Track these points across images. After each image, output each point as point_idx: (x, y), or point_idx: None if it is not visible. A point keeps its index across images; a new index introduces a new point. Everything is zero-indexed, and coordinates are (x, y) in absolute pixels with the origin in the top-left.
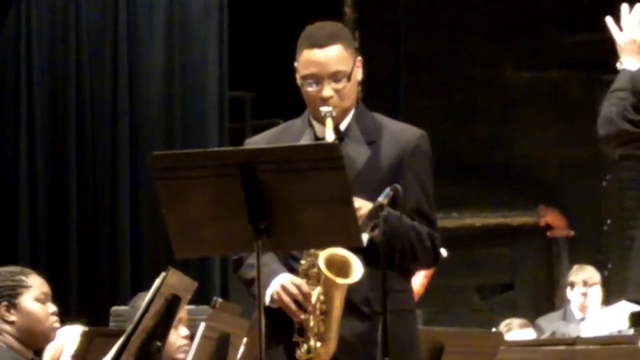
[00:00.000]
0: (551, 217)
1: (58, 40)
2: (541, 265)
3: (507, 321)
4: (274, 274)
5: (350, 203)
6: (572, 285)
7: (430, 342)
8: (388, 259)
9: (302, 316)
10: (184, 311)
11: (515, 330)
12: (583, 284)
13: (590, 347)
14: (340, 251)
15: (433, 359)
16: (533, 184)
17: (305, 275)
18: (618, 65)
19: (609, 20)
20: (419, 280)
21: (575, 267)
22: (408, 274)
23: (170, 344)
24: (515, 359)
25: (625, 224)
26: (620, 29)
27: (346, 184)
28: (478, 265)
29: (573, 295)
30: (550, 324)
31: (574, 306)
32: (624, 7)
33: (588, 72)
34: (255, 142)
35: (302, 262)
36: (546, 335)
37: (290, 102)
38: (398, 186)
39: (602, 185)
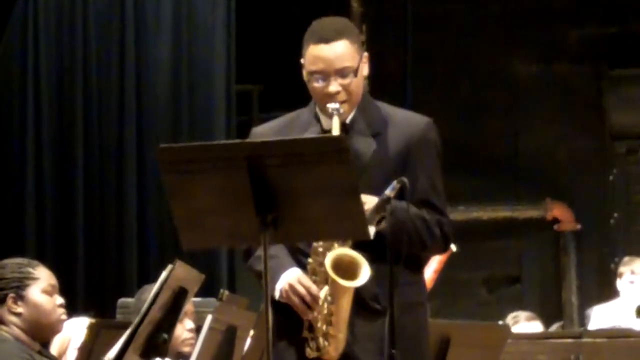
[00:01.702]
0: (558, 211)
1: (65, 33)
2: (548, 259)
3: (513, 314)
4: (284, 268)
5: (357, 196)
6: (620, 275)
7: (437, 334)
8: (395, 252)
9: (310, 315)
10: (189, 304)
11: (522, 323)
12: (630, 272)
13: (597, 340)
14: (349, 252)
15: (440, 352)
16: (540, 177)
17: (314, 273)
18: None
19: None
20: (428, 275)
21: (625, 258)
22: (418, 266)
23: (175, 337)
24: (522, 352)
25: (632, 218)
26: None
27: (353, 177)
28: (485, 259)
29: (621, 285)
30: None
31: (623, 296)
32: None
33: (595, 66)
34: (262, 131)
35: (310, 260)
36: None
37: (298, 95)
38: (405, 179)
39: (609, 178)
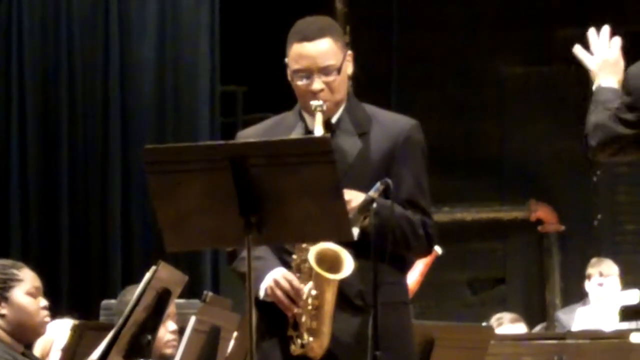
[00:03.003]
0: (542, 212)
1: (50, 33)
2: (532, 260)
3: (497, 315)
4: (269, 268)
5: (340, 197)
6: (589, 277)
7: (421, 336)
8: (379, 251)
9: (295, 311)
10: (172, 306)
11: (506, 325)
12: (599, 274)
13: (581, 341)
14: (332, 246)
15: (424, 353)
16: (524, 178)
17: (298, 269)
18: (594, 87)
19: (577, 48)
20: (414, 277)
21: (593, 260)
22: (402, 266)
23: (158, 338)
24: (506, 354)
25: (616, 219)
26: (591, 53)
27: (337, 178)
28: (469, 260)
29: (590, 287)
30: (570, 315)
31: (592, 298)
32: (592, 31)
33: (580, 67)
34: (248, 135)
35: (294, 257)
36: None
37: (282, 96)
38: (389, 180)
39: (593, 180)
